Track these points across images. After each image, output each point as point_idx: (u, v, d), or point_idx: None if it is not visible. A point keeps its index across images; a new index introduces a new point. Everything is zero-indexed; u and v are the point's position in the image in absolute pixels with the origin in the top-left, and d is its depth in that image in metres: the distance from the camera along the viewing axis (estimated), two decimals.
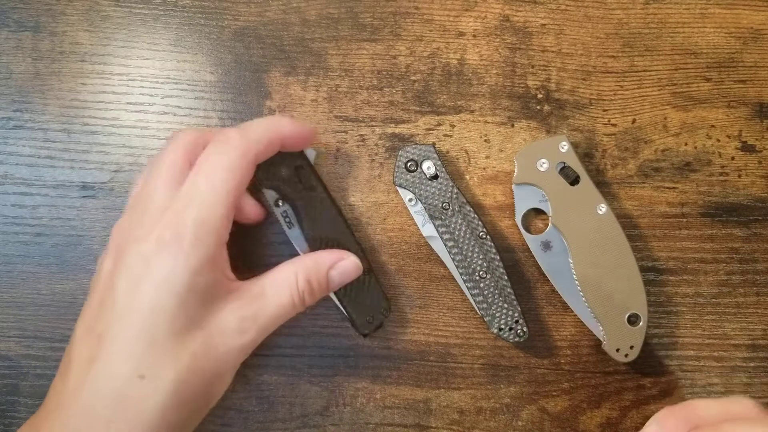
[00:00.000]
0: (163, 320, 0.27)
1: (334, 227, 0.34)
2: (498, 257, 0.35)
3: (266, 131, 0.31)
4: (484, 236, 0.35)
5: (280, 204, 0.35)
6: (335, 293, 0.35)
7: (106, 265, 0.29)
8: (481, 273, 0.35)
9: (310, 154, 0.35)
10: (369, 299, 0.35)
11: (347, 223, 0.35)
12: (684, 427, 0.27)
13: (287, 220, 0.35)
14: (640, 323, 0.35)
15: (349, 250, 0.34)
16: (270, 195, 0.35)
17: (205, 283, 0.28)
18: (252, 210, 0.34)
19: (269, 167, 0.33)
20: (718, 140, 0.38)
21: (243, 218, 0.34)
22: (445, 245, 0.35)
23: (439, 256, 0.37)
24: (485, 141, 0.38)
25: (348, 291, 0.35)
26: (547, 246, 0.36)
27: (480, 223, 0.35)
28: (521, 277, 0.37)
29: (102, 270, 0.30)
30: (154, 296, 0.27)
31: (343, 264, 0.33)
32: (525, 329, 0.35)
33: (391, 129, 0.38)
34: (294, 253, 0.35)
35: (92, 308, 0.29)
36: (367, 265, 0.34)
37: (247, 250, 0.37)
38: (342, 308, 0.35)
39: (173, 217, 0.28)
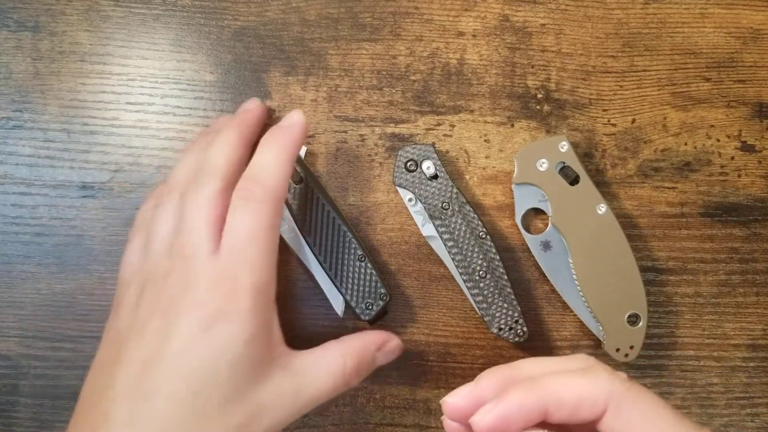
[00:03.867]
0: (214, 389, 0.26)
1: (326, 220, 0.34)
2: (498, 257, 0.35)
3: (278, 165, 0.30)
4: (484, 236, 0.35)
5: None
6: (330, 277, 0.35)
7: (152, 324, 0.27)
8: (481, 273, 0.35)
9: (302, 148, 0.36)
10: (366, 286, 0.34)
11: (342, 215, 0.35)
12: (501, 384, 0.26)
13: None
14: (640, 323, 0.35)
15: (342, 240, 0.34)
16: None
17: (259, 352, 0.27)
18: None
19: None
20: (718, 140, 0.38)
21: None
22: (445, 245, 0.35)
23: (439, 256, 0.37)
24: (485, 141, 0.38)
25: (343, 277, 0.34)
26: (547, 246, 0.36)
27: (480, 223, 0.35)
28: (521, 277, 0.37)
29: (137, 322, 0.28)
30: (210, 364, 0.26)
31: (390, 346, 0.33)
32: (525, 329, 0.35)
33: (390, 129, 0.38)
34: (283, 247, 0.34)
35: (134, 365, 0.26)
36: (362, 252, 0.34)
37: None
38: (340, 294, 0.35)
39: (231, 285, 0.27)
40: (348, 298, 0.35)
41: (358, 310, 0.35)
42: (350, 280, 0.34)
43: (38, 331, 0.36)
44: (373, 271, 0.35)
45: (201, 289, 0.27)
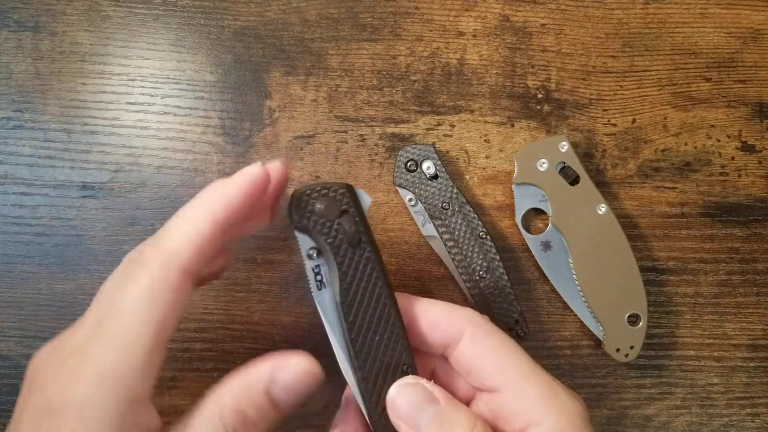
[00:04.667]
0: None
1: (376, 301, 0.26)
2: (498, 257, 0.35)
3: (189, 232, 0.24)
4: (484, 236, 0.35)
5: (314, 256, 0.26)
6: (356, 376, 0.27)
7: None
8: (481, 273, 0.35)
9: (365, 198, 0.27)
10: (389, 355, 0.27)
11: (394, 299, 0.27)
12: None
13: (318, 278, 0.27)
14: (640, 323, 0.35)
15: (392, 335, 0.26)
16: (303, 241, 0.26)
17: None
18: (216, 263, 0.28)
19: (307, 201, 0.26)
20: (718, 140, 0.38)
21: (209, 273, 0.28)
22: (445, 245, 0.35)
23: (439, 256, 0.37)
24: (485, 141, 0.38)
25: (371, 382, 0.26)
26: (547, 246, 0.36)
27: (480, 223, 0.35)
28: (521, 277, 0.37)
29: None
30: None
31: (287, 374, 0.25)
32: (525, 329, 0.35)
33: (391, 129, 0.38)
34: (317, 322, 0.29)
35: None
36: (409, 359, 0.27)
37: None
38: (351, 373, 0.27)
39: (74, 370, 0.22)
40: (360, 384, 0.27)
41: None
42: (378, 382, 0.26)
43: (38, 331, 0.36)
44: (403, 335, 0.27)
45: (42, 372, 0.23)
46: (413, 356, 0.27)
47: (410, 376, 0.26)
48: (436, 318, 0.27)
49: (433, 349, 0.28)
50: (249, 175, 0.25)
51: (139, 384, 0.22)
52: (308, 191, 0.26)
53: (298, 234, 0.26)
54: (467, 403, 0.27)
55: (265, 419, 0.24)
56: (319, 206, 0.26)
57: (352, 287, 0.26)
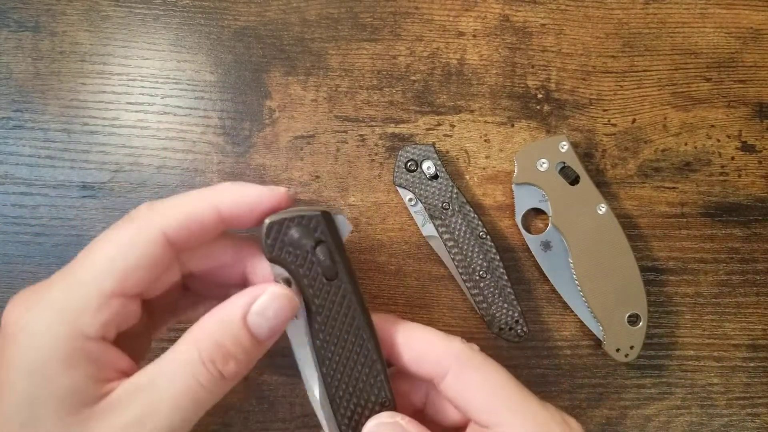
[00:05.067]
0: None
1: (353, 335, 0.25)
2: (498, 257, 0.35)
3: (185, 204, 0.24)
4: (484, 236, 0.35)
5: (289, 286, 0.25)
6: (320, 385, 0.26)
7: None
8: (481, 273, 0.35)
9: (342, 224, 0.26)
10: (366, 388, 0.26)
11: (373, 331, 0.26)
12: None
13: None
14: (640, 323, 0.35)
15: (370, 371, 0.25)
16: (277, 271, 0.26)
17: (62, 391, 0.21)
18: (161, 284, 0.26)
19: (280, 230, 0.25)
20: (718, 140, 0.38)
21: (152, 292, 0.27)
22: (445, 245, 0.35)
23: (439, 256, 0.37)
24: (485, 141, 0.38)
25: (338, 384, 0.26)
26: (547, 246, 0.36)
27: (480, 223, 0.35)
28: (521, 277, 0.37)
29: None
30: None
31: (264, 301, 0.24)
32: (525, 329, 0.35)
33: (391, 129, 0.38)
34: (291, 356, 0.27)
35: None
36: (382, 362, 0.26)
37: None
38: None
39: (29, 302, 0.23)
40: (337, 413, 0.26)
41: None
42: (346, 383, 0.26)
43: None
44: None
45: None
46: (391, 390, 0.26)
47: (387, 413, 0.26)
48: (420, 351, 0.26)
49: (419, 379, 0.27)
50: (274, 192, 0.25)
51: (90, 320, 0.22)
52: (283, 220, 0.25)
53: (271, 265, 0.25)
54: (462, 427, 0.27)
55: (245, 352, 0.24)
56: (294, 235, 0.25)
57: (328, 321, 0.25)
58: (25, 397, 0.21)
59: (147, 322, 0.28)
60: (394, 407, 0.26)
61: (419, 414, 0.29)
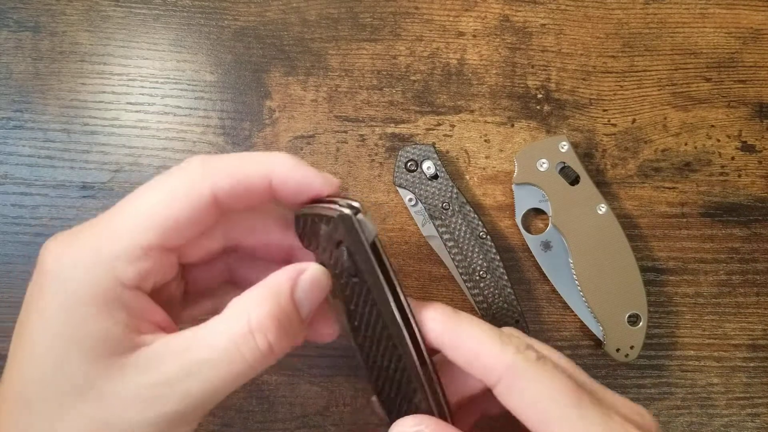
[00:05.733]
0: (37, 381, 0.21)
1: (384, 334, 0.24)
2: (498, 257, 0.35)
3: (239, 167, 0.23)
4: (484, 236, 0.35)
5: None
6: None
7: None
8: (481, 273, 0.35)
9: (366, 226, 0.24)
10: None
11: (410, 329, 0.24)
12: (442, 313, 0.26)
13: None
14: (640, 323, 0.35)
15: (404, 372, 0.24)
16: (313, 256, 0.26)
17: (94, 334, 0.21)
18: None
19: (307, 223, 0.25)
20: (718, 140, 0.38)
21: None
22: (445, 245, 0.35)
23: (439, 256, 0.37)
24: (485, 141, 0.38)
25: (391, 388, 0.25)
26: (547, 246, 0.36)
27: (480, 223, 0.35)
28: (521, 277, 0.37)
29: None
30: (29, 352, 0.21)
31: (306, 277, 0.24)
32: (525, 329, 0.35)
33: (391, 129, 0.38)
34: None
35: None
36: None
37: None
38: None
39: (65, 245, 0.22)
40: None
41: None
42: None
43: None
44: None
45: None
46: (430, 389, 0.25)
47: (412, 419, 0.24)
48: (471, 355, 0.24)
49: (469, 380, 0.25)
50: (327, 181, 0.24)
51: (125, 268, 0.22)
52: (309, 215, 0.24)
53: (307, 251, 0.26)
54: None
55: (293, 328, 0.23)
56: (319, 231, 0.24)
57: (356, 316, 0.25)
58: (59, 336, 0.21)
59: (183, 293, 0.27)
60: (428, 411, 0.25)
61: None
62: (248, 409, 0.36)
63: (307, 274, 0.23)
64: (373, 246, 0.24)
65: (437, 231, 0.36)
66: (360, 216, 0.23)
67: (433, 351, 0.25)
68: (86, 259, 0.21)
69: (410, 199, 0.36)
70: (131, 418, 0.21)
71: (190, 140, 0.37)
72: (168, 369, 0.21)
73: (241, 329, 0.21)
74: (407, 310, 0.25)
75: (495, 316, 0.35)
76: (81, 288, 0.21)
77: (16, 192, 0.37)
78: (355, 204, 0.24)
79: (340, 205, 0.24)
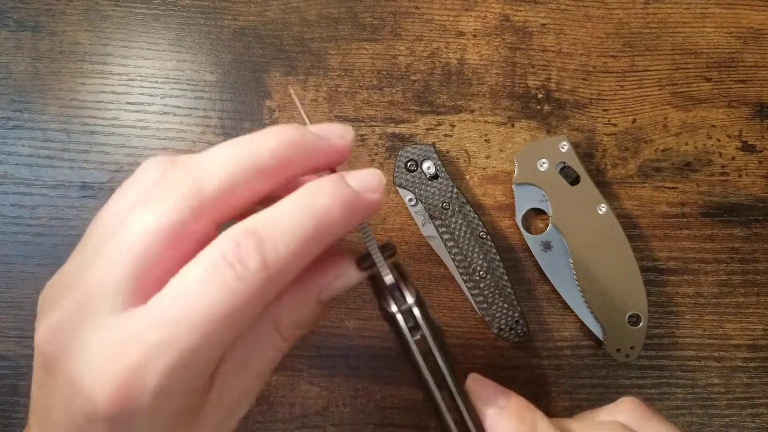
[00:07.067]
0: None
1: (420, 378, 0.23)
2: (498, 257, 0.35)
3: (303, 230, 0.19)
4: (484, 236, 0.35)
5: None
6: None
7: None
8: (481, 273, 0.35)
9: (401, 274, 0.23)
10: None
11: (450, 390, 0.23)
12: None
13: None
14: (641, 323, 0.35)
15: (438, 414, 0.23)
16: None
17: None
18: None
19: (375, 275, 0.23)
20: (719, 140, 0.38)
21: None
22: (445, 245, 0.35)
23: (439, 256, 0.36)
24: (485, 141, 0.38)
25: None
26: (547, 246, 0.36)
27: (480, 223, 0.35)
28: (521, 277, 0.37)
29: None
30: None
31: (338, 283, 0.23)
32: (525, 329, 0.35)
33: (391, 129, 0.38)
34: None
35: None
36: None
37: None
38: None
39: (129, 359, 0.18)
40: None
41: None
42: None
43: None
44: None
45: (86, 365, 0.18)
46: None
47: None
48: None
49: None
50: (377, 187, 0.21)
51: (204, 374, 0.19)
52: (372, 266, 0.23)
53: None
54: None
55: (312, 319, 0.23)
56: (381, 288, 0.23)
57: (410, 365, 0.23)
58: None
59: None
60: None
61: None
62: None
63: (341, 280, 0.22)
64: (422, 339, 0.23)
65: (437, 231, 0.36)
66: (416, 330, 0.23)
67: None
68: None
69: (410, 199, 0.36)
70: None
71: (190, 140, 0.37)
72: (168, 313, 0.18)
73: (272, 335, 0.22)
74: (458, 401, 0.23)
75: (495, 316, 0.35)
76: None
77: (15, 192, 0.37)
78: (410, 299, 0.23)
79: (398, 292, 0.23)
